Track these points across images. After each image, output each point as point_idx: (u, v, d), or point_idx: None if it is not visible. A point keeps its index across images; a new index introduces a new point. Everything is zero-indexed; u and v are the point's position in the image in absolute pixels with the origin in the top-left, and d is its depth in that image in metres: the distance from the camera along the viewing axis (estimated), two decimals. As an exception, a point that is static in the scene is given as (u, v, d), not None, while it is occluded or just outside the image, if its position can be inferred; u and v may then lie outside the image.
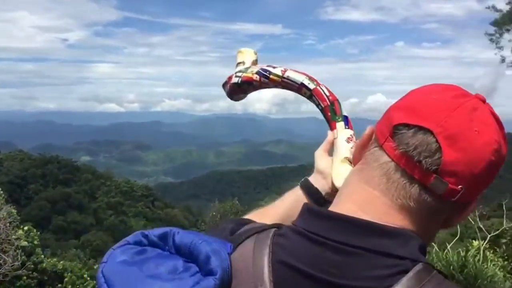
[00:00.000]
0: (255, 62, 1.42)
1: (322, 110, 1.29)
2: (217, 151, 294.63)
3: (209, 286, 0.70)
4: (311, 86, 1.28)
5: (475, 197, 0.76)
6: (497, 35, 14.74)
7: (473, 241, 6.34)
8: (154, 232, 0.76)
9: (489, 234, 7.78)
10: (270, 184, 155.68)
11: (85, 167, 73.34)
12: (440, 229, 0.80)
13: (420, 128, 0.72)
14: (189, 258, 0.74)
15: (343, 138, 1.24)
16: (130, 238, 0.76)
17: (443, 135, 0.71)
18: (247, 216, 1.13)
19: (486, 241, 6.84)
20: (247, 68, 1.37)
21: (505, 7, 14.43)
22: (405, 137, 0.73)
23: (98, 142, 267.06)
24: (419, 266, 0.70)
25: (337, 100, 1.28)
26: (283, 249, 0.76)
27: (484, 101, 0.76)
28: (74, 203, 56.81)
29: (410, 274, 0.69)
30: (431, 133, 0.71)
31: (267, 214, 1.15)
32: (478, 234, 7.49)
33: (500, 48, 14.97)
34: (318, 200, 1.17)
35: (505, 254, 12.14)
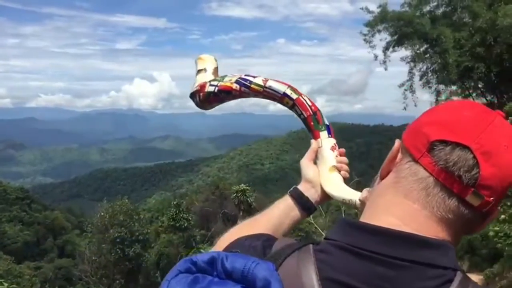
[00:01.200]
0: (216, 69, 1.43)
1: (305, 120, 1.31)
2: (101, 148, 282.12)
3: None
4: (294, 96, 1.30)
5: (497, 206, 0.80)
6: (370, 35, 16.05)
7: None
8: (203, 258, 0.75)
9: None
10: (158, 181, 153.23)
11: None
12: (463, 235, 0.84)
13: (458, 145, 0.75)
14: (243, 283, 0.72)
15: (327, 146, 1.26)
16: (180, 267, 0.75)
17: (480, 151, 0.74)
18: (235, 228, 1.15)
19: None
20: (223, 77, 1.38)
21: (376, 10, 15.75)
22: (444, 153, 0.76)
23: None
24: (459, 275, 0.75)
25: (319, 110, 1.30)
26: (329, 266, 0.77)
27: (504, 116, 0.81)
28: None
29: (455, 283, 0.74)
30: (469, 149, 0.75)
31: (259, 224, 1.16)
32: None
33: (373, 47, 16.37)
34: (309, 209, 1.22)
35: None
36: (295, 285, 0.76)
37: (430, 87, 16.76)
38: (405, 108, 16.85)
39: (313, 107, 1.29)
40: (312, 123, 1.29)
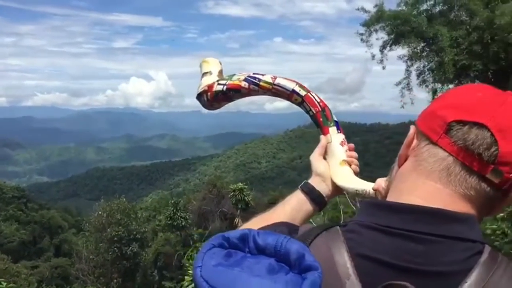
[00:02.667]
0: (221, 72, 1.44)
1: (314, 116, 1.33)
2: (97, 147, 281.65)
3: (317, 281, 0.69)
4: (302, 92, 1.32)
5: None
6: (367, 34, 16.06)
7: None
8: (235, 234, 0.75)
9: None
10: (155, 180, 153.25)
11: None
12: (485, 216, 0.85)
13: (475, 124, 0.77)
14: (276, 257, 0.73)
15: (337, 142, 1.29)
16: (213, 241, 0.75)
17: (496, 128, 0.76)
18: (246, 224, 1.14)
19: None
20: (231, 76, 1.40)
21: (373, 9, 15.76)
22: (461, 133, 0.77)
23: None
24: (488, 247, 0.76)
25: (327, 106, 1.32)
26: (359, 244, 0.79)
27: None
28: None
29: (485, 255, 0.75)
30: (486, 127, 0.76)
31: (271, 219, 1.13)
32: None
33: (370, 46, 16.38)
34: (321, 203, 1.24)
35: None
36: (327, 262, 0.77)
37: (427, 86, 16.77)
38: (402, 107, 16.88)
39: (321, 103, 1.32)
40: (321, 119, 1.31)
